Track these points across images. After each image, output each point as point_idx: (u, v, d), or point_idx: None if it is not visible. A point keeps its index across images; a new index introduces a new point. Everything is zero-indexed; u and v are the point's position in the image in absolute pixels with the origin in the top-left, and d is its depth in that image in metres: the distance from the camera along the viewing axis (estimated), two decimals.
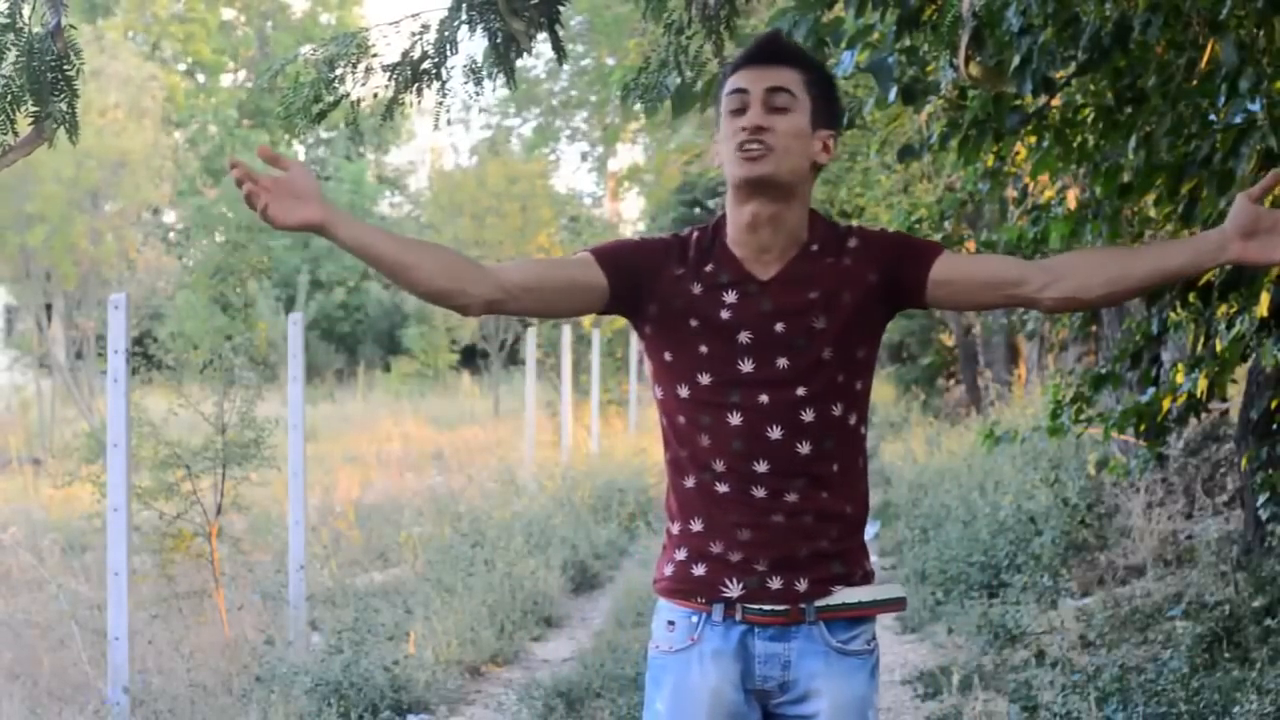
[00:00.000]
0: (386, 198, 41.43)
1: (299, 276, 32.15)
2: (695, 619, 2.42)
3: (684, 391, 2.41)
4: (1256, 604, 5.71)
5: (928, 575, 8.27)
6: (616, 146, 33.47)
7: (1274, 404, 6.02)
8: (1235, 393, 7.16)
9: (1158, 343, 5.66)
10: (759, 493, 2.38)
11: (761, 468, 2.37)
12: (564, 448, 13.88)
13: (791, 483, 2.37)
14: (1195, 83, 4.08)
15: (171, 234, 33.25)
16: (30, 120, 3.08)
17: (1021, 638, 6.50)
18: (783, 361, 2.37)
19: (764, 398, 2.37)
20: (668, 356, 2.43)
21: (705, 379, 2.39)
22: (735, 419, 2.37)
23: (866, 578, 2.45)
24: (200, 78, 40.52)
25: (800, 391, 2.36)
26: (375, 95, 3.64)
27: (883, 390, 22.99)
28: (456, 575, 7.64)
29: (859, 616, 2.42)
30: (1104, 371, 5.85)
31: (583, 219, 35.17)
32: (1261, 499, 5.92)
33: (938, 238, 7.85)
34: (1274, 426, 6.05)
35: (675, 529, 2.45)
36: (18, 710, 5.44)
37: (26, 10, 3.05)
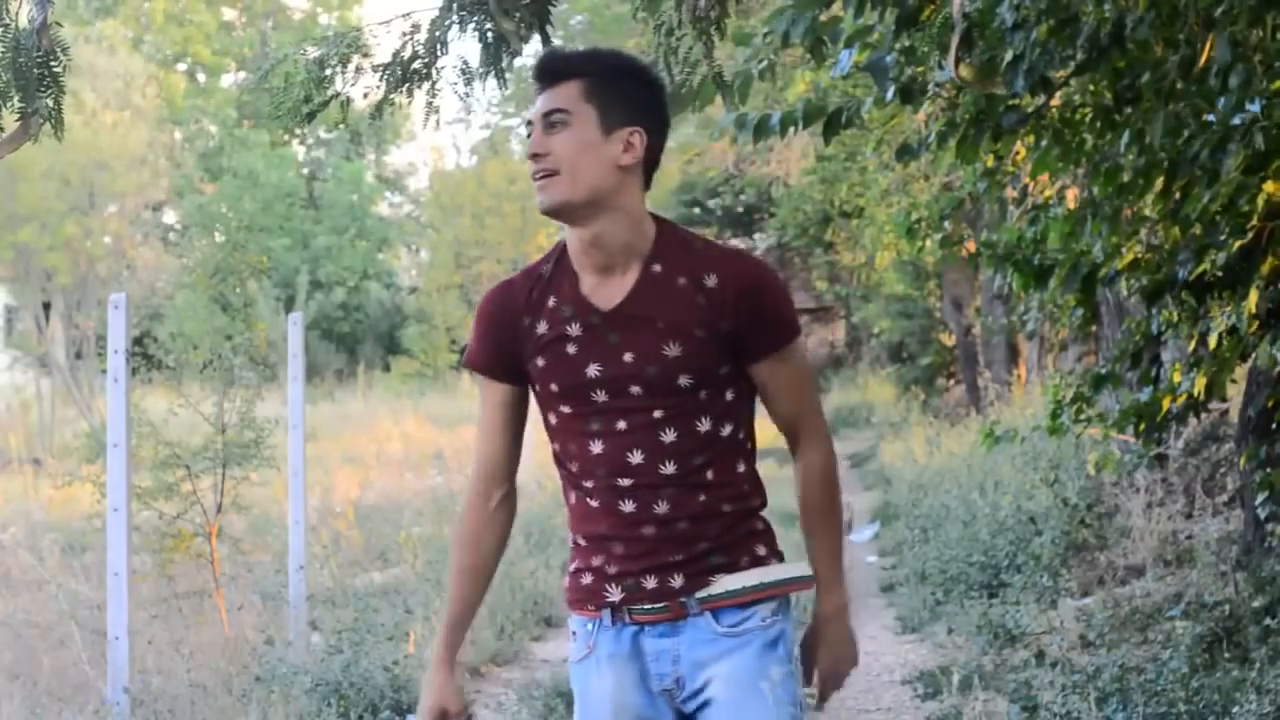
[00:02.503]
0: (386, 198, 41.44)
1: (299, 277, 32.15)
2: (590, 626, 2.43)
3: (552, 419, 2.43)
4: (1256, 604, 5.70)
5: (928, 575, 8.27)
6: None
7: (1271, 403, 6.01)
8: (1235, 392, 7.14)
9: (1157, 342, 5.65)
10: (627, 507, 2.37)
11: (626, 483, 2.36)
12: None
13: (659, 494, 2.36)
14: (1191, 82, 4.08)
15: (171, 234, 33.23)
16: (16, 116, 3.08)
17: (1021, 638, 6.49)
18: (636, 389, 2.34)
19: (622, 424, 2.35)
20: (535, 388, 2.44)
21: (566, 409, 2.40)
22: (597, 447, 2.37)
23: (756, 562, 2.41)
24: (200, 78, 40.53)
25: (658, 414, 2.33)
26: (366, 95, 3.65)
27: (883, 390, 23.00)
28: None
29: (748, 602, 2.40)
30: (1104, 371, 5.84)
31: None
32: (1261, 498, 5.90)
33: (937, 237, 7.85)
34: (1273, 425, 6.04)
35: (570, 541, 2.50)
36: (18, 710, 5.44)
37: (13, 6, 3.05)
